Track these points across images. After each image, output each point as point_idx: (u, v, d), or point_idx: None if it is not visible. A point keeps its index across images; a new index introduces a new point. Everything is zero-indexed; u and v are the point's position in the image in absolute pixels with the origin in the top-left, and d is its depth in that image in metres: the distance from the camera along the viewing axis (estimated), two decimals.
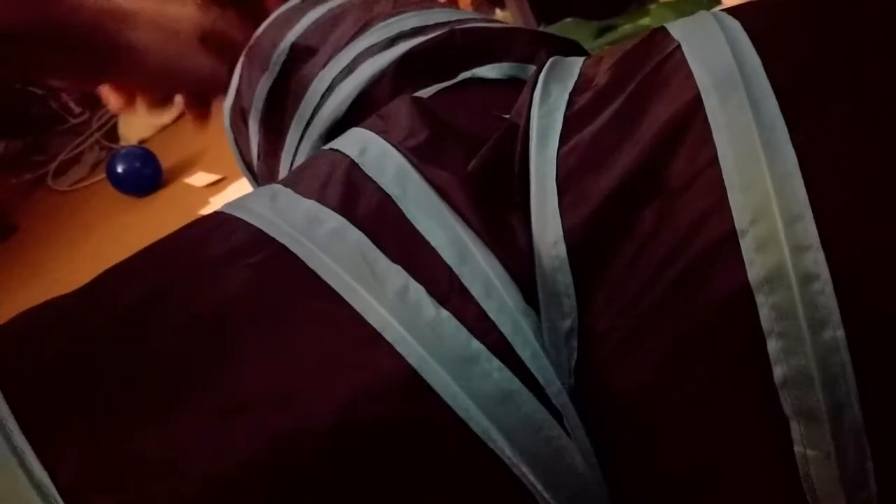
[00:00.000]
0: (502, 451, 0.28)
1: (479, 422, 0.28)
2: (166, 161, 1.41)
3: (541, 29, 1.27)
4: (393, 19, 0.52)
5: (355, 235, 0.31)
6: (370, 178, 0.34)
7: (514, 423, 0.29)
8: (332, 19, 0.55)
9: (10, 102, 1.57)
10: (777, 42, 0.30)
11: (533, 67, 0.44)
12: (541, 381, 0.29)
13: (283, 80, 0.54)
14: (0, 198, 1.28)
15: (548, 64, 0.37)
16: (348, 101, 0.49)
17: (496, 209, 0.32)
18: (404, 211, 0.32)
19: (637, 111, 0.31)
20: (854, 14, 0.31)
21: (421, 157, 0.34)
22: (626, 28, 1.04)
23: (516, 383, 0.29)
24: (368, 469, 0.27)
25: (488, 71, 0.45)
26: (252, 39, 0.59)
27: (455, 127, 0.38)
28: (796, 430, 0.27)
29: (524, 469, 0.29)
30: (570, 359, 0.30)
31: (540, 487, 0.29)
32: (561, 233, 0.30)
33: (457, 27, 0.49)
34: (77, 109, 1.62)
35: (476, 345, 0.29)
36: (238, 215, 0.33)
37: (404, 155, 0.34)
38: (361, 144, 0.36)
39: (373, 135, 0.37)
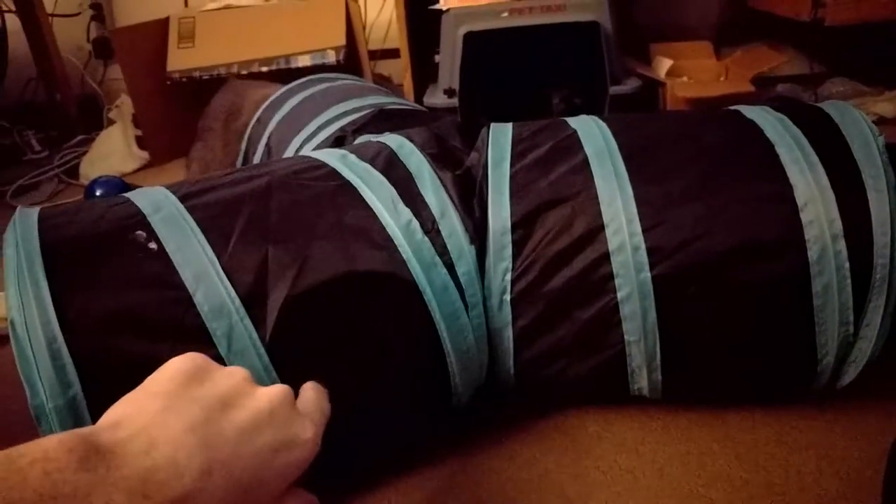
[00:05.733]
0: (435, 312, 0.52)
1: (429, 296, 0.52)
2: None
3: None
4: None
5: (389, 187, 0.55)
6: (401, 161, 0.58)
7: (444, 302, 0.53)
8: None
9: None
10: (623, 135, 0.59)
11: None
12: (464, 286, 0.54)
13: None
14: None
15: (491, 126, 0.64)
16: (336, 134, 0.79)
17: (467, 196, 0.57)
18: (417, 183, 0.56)
19: (553, 160, 0.57)
20: (653, 123, 0.61)
21: (432, 157, 0.59)
22: None
23: (451, 282, 0.53)
24: (364, 294, 0.51)
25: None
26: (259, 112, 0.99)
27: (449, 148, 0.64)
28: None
29: (443, 328, 0.53)
30: (506, 283, 0.55)
31: (447, 341, 0.53)
32: (509, 213, 0.56)
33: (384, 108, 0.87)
34: (38, 147, 1.75)
35: (437, 258, 0.53)
36: (323, 160, 0.57)
37: (424, 155, 0.59)
38: (399, 142, 0.61)
39: (405, 140, 0.62)
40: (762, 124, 0.58)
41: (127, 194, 0.53)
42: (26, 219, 0.48)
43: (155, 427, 0.32)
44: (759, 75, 1.37)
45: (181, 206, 0.50)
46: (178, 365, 0.36)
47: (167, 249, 0.47)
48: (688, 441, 0.60)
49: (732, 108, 0.64)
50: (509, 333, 0.56)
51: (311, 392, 0.41)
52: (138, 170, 1.65)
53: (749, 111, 0.62)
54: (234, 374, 0.37)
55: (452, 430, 0.61)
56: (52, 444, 0.29)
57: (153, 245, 0.48)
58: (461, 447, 0.60)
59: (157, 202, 0.51)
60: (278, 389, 0.37)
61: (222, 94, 1.26)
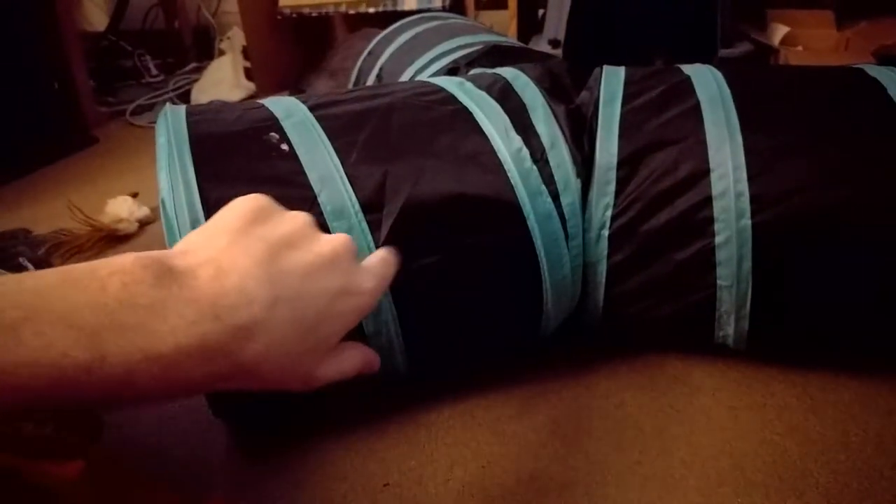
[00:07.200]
0: (536, 239, 0.55)
1: (532, 223, 0.55)
2: None
3: None
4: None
5: (503, 115, 0.58)
6: (516, 92, 0.60)
7: (546, 230, 0.55)
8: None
9: (103, 51, 1.83)
10: (738, 84, 0.58)
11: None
12: (567, 217, 0.56)
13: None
14: (88, 117, 1.47)
15: (604, 67, 0.64)
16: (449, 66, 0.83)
17: (578, 130, 0.59)
18: (530, 114, 0.59)
19: (664, 103, 0.58)
20: (770, 74, 0.60)
21: (546, 91, 0.61)
22: None
23: (554, 211, 0.55)
24: (471, 214, 0.54)
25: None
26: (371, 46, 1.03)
27: (561, 85, 0.65)
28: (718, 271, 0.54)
29: (542, 255, 0.55)
30: (606, 218, 0.57)
31: (545, 268, 0.55)
32: (616, 150, 0.57)
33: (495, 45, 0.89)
34: (154, 71, 1.87)
35: (543, 187, 0.56)
36: (442, 85, 0.60)
37: (539, 88, 0.61)
38: (514, 74, 0.63)
39: (521, 73, 0.64)
40: (886, 83, 0.57)
41: (261, 100, 0.58)
42: (176, 113, 0.54)
43: (224, 258, 0.33)
44: (882, 50, 1.30)
45: (310, 115, 0.54)
46: (245, 204, 0.37)
47: (297, 152, 0.51)
48: (766, 393, 0.61)
49: (856, 65, 0.63)
50: (603, 268, 0.58)
51: (378, 254, 0.41)
52: (244, 99, 1.73)
53: (873, 70, 0.61)
54: (297, 217, 0.38)
55: (537, 355, 0.64)
56: (129, 260, 0.30)
57: (285, 146, 0.52)
58: (543, 372, 0.63)
59: (289, 109, 0.55)
60: (341, 238, 0.38)
61: (357, 39, 1.31)
